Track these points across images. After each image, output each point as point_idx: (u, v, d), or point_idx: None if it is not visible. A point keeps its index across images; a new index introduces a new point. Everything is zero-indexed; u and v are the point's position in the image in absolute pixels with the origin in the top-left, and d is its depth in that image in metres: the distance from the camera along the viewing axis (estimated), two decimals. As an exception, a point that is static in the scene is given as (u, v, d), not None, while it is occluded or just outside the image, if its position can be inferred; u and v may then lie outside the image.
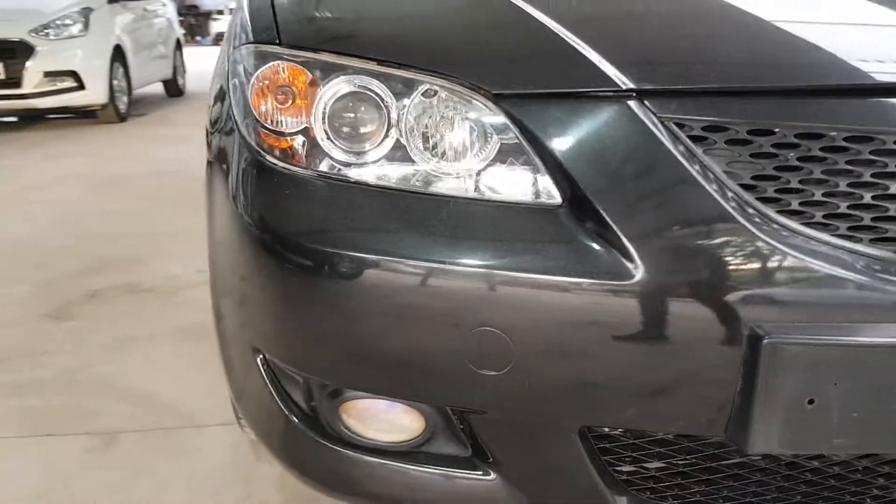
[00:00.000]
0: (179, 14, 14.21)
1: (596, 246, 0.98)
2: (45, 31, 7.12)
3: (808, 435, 0.98)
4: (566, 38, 1.10)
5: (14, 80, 6.99)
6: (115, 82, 7.62)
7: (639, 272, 0.96)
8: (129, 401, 2.16)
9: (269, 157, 1.13)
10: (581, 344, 1.00)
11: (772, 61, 1.07)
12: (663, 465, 1.10)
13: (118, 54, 7.83)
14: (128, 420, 2.06)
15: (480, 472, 1.13)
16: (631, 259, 0.96)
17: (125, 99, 7.96)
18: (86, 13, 7.42)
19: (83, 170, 5.51)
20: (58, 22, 7.23)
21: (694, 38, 1.14)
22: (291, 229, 1.10)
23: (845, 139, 0.96)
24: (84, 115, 7.72)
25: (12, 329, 2.69)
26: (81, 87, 7.23)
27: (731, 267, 0.96)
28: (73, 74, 7.17)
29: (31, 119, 7.73)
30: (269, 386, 1.22)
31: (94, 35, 7.42)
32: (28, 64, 6.99)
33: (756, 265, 0.96)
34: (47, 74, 7.08)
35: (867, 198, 0.96)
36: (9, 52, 6.97)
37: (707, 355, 0.97)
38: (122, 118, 7.74)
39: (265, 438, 1.29)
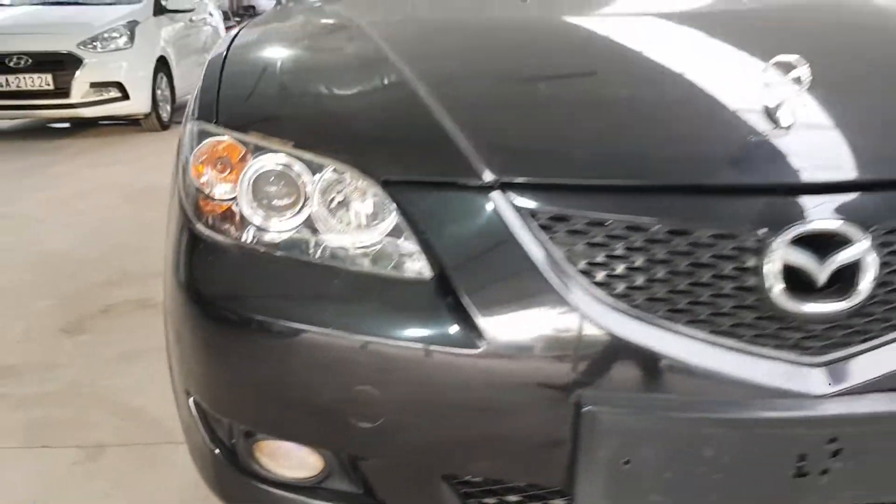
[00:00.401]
0: (236, 14, 14.55)
1: (452, 318, 1.13)
2: (94, 43, 7.46)
3: (627, 491, 1.11)
4: (447, 130, 1.24)
5: (63, 91, 7.36)
6: (158, 92, 7.95)
7: (484, 344, 1.11)
8: (122, 415, 2.37)
9: (198, 224, 1.31)
10: (437, 404, 1.15)
11: (614, 159, 1.21)
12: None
13: (162, 64, 8.17)
14: (116, 433, 2.26)
15: None
16: (479, 332, 1.11)
17: (168, 108, 8.29)
18: (131, 26, 7.75)
19: (124, 178, 5.81)
20: (105, 35, 7.57)
21: (556, 133, 1.27)
22: (210, 291, 1.28)
23: (667, 232, 1.10)
24: (130, 122, 8.08)
25: (29, 344, 2.93)
26: (126, 97, 7.57)
27: (561, 342, 1.10)
28: (118, 85, 7.52)
29: (81, 125, 8.10)
30: (199, 423, 1.40)
31: (138, 47, 7.75)
32: (76, 75, 7.34)
33: (583, 342, 1.10)
34: (94, 85, 7.44)
35: (683, 284, 1.10)
36: (58, 63, 7.34)
37: (543, 418, 1.12)
38: (164, 126, 8.04)
39: (199, 469, 1.47)
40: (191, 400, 1.39)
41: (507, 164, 1.18)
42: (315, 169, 1.25)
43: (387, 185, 1.21)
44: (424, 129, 1.28)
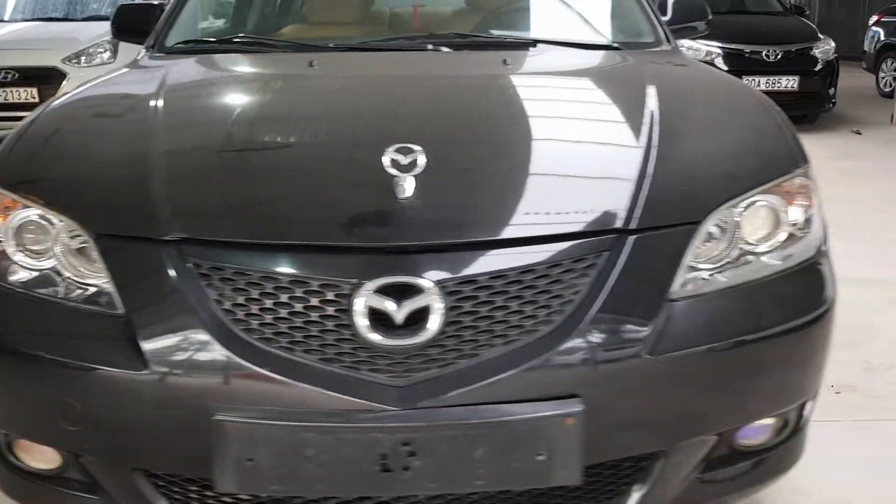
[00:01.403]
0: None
1: (130, 347, 1.45)
2: (78, 58, 7.86)
3: (252, 482, 1.41)
4: (151, 194, 1.57)
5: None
6: None
7: (148, 368, 1.42)
8: None
9: None
10: (118, 414, 1.46)
11: (256, 221, 1.51)
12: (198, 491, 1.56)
13: None
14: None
15: (93, 495, 1.61)
16: (145, 359, 1.43)
17: None
18: (115, 42, 8.13)
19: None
20: (90, 50, 7.96)
21: (221, 200, 1.58)
22: None
23: (289, 281, 1.41)
24: None
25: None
26: None
27: (203, 367, 1.41)
28: None
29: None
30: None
31: (121, 62, 8.14)
32: (61, 87, 7.75)
33: (219, 367, 1.40)
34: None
35: (300, 322, 1.39)
36: (44, 77, 7.75)
37: (191, 426, 1.41)
38: None
39: None
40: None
41: (179, 224, 1.50)
42: (56, 223, 1.57)
43: (99, 237, 1.53)
44: (136, 193, 1.59)
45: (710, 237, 1.55)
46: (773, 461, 1.72)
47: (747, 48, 8.02)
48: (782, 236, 1.63)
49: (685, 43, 4.62)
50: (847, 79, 9.06)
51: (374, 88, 2.14)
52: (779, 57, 7.97)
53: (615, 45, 2.50)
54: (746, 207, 1.60)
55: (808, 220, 1.68)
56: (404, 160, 1.51)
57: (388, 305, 1.37)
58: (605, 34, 2.63)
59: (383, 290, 1.38)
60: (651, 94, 1.91)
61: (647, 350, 1.41)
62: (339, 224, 1.49)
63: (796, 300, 1.62)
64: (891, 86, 10.24)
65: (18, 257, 1.59)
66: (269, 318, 1.41)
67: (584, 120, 1.97)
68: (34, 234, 1.60)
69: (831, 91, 8.21)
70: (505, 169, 1.63)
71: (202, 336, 1.41)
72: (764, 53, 7.95)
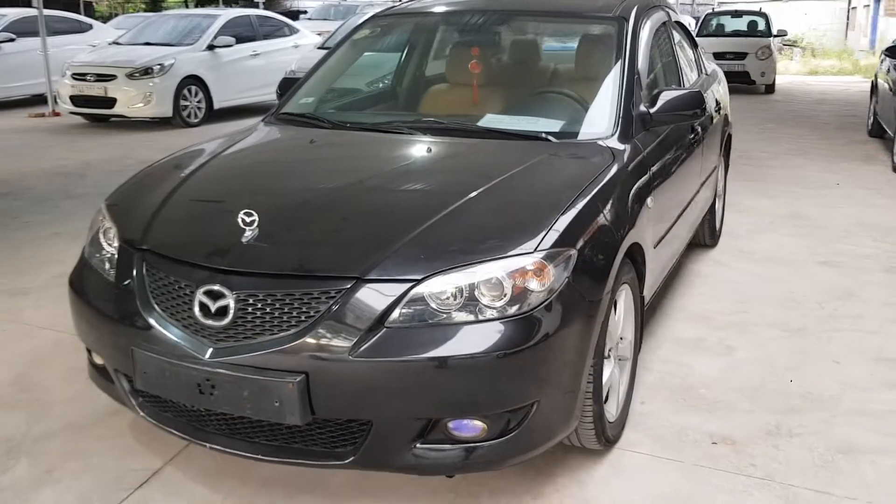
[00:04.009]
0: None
1: (116, 302, 2.59)
2: (135, 72, 10.34)
3: (146, 383, 2.47)
4: (147, 221, 2.70)
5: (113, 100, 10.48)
6: (183, 102, 10.78)
7: (115, 314, 2.57)
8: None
9: None
10: (106, 340, 2.68)
11: (186, 244, 2.58)
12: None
13: (197, 82, 10.75)
14: None
15: (108, 381, 2.70)
16: (117, 308, 2.56)
17: (199, 112, 11.05)
18: (161, 60, 10.60)
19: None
20: (145, 66, 10.50)
21: (174, 231, 2.67)
22: None
23: (174, 279, 2.44)
24: (161, 121, 10.67)
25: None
26: (152, 105, 10.50)
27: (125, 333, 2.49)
28: (147, 97, 10.40)
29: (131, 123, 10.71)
30: None
31: (166, 74, 10.52)
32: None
33: (137, 330, 2.46)
34: (132, 97, 10.44)
35: (182, 304, 2.41)
36: (109, 78, 10.37)
37: (124, 351, 2.49)
38: (188, 125, 10.85)
39: None
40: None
41: (146, 242, 2.60)
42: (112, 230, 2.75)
43: (121, 241, 2.66)
44: (141, 221, 2.73)
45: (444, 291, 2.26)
46: (485, 452, 2.33)
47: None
48: (496, 301, 2.26)
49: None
50: None
51: (307, 163, 3.29)
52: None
53: (546, 136, 3.13)
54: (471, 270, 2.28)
55: (524, 293, 2.27)
56: (248, 219, 2.49)
57: (207, 301, 2.37)
58: (548, 128, 3.23)
59: (208, 292, 2.37)
60: (495, 175, 2.72)
61: (355, 353, 2.21)
62: (202, 251, 2.51)
63: (481, 340, 2.26)
64: None
65: (101, 245, 2.74)
66: (166, 299, 2.45)
67: (412, 195, 2.80)
68: (107, 234, 2.76)
69: None
70: (303, 228, 2.58)
71: (140, 304, 2.48)
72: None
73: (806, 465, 2.82)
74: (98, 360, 2.76)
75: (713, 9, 23.53)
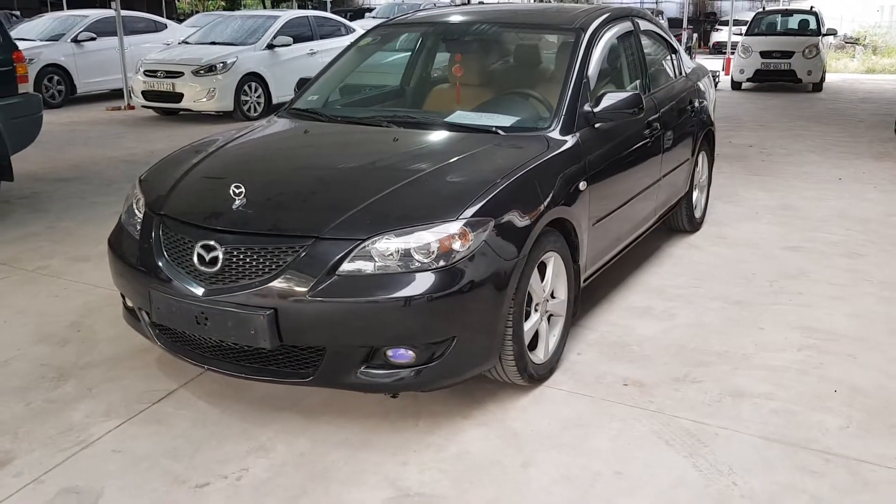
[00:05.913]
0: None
1: (141, 256, 3.35)
2: (200, 69, 11.19)
3: (160, 317, 3.21)
4: (166, 193, 3.44)
5: (180, 94, 11.18)
6: (244, 97, 11.68)
7: (136, 264, 3.33)
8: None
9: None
10: (130, 284, 3.33)
11: (195, 209, 3.29)
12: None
13: (257, 79, 11.68)
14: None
15: (136, 319, 3.46)
16: (137, 260, 3.33)
17: (258, 107, 11.88)
18: (224, 59, 11.48)
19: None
20: (210, 64, 11.35)
21: (184, 199, 3.38)
22: None
23: (181, 236, 3.20)
24: (224, 115, 11.56)
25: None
26: (215, 100, 11.39)
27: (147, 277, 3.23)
28: (211, 92, 10.96)
29: (197, 117, 11.61)
30: None
31: (229, 72, 11.37)
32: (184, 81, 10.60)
33: (157, 277, 3.17)
34: (197, 92, 11.10)
35: (188, 256, 3.16)
36: (176, 75, 11.16)
37: (143, 292, 3.26)
38: (248, 118, 11.57)
39: None
40: None
41: (163, 208, 3.31)
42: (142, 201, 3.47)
43: (146, 209, 3.40)
44: (161, 194, 3.44)
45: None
46: (416, 376, 2.94)
47: None
48: (428, 260, 2.86)
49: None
50: None
51: (297, 149, 4.00)
52: None
53: (496, 129, 3.74)
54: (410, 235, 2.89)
55: (449, 252, 2.89)
56: (237, 191, 3.23)
57: (203, 253, 3.09)
58: (501, 123, 3.82)
59: (204, 246, 3.10)
60: (443, 160, 3.41)
61: (312, 294, 2.93)
62: (202, 215, 3.24)
63: (411, 286, 2.86)
64: None
65: (134, 212, 3.47)
66: (173, 251, 3.19)
67: (371, 174, 3.42)
68: (137, 202, 3.51)
69: None
70: (279, 198, 3.27)
71: (156, 256, 3.21)
72: None
73: (695, 403, 3.40)
74: (129, 304, 3.51)
75: (763, 7, 23.48)
